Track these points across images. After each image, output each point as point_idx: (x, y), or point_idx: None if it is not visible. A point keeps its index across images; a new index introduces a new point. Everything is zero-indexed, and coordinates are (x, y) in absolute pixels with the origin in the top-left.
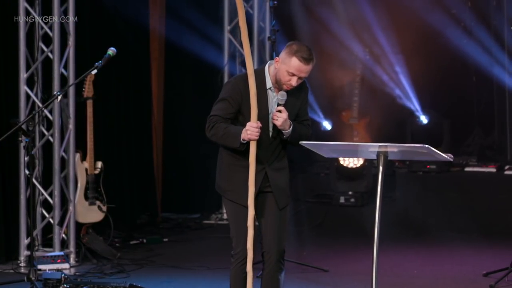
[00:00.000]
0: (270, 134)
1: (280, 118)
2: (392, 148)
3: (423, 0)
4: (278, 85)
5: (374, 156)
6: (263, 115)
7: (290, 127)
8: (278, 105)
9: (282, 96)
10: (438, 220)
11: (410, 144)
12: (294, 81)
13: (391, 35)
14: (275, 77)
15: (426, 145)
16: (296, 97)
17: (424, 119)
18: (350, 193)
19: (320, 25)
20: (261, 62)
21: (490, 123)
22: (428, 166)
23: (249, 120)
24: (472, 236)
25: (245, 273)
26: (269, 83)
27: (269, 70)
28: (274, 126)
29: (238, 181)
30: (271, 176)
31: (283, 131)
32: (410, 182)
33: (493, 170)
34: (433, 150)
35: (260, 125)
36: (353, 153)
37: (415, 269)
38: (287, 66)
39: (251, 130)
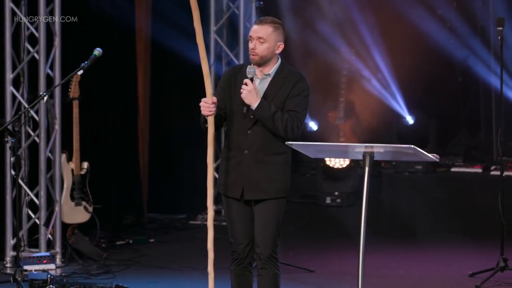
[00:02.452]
0: (251, 120)
1: (244, 90)
2: (378, 148)
3: (409, 1)
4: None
5: (360, 157)
6: (242, 101)
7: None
8: (246, 78)
9: (250, 69)
10: (424, 220)
11: (396, 144)
12: (252, 45)
13: (377, 36)
14: None
15: (412, 146)
16: (284, 86)
17: (410, 120)
18: (336, 193)
19: (307, 25)
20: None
21: (476, 123)
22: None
23: (230, 105)
24: (458, 236)
25: (240, 273)
26: None
27: None
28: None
29: (223, 172)
30: (247, 166)
31: (249, 106)
32: (396, 182)
33: (479, 170)
34: (419, 151)
35: (215, 100)
36: (339, 154)
37: (401, 270)
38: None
39: (202, 104)
